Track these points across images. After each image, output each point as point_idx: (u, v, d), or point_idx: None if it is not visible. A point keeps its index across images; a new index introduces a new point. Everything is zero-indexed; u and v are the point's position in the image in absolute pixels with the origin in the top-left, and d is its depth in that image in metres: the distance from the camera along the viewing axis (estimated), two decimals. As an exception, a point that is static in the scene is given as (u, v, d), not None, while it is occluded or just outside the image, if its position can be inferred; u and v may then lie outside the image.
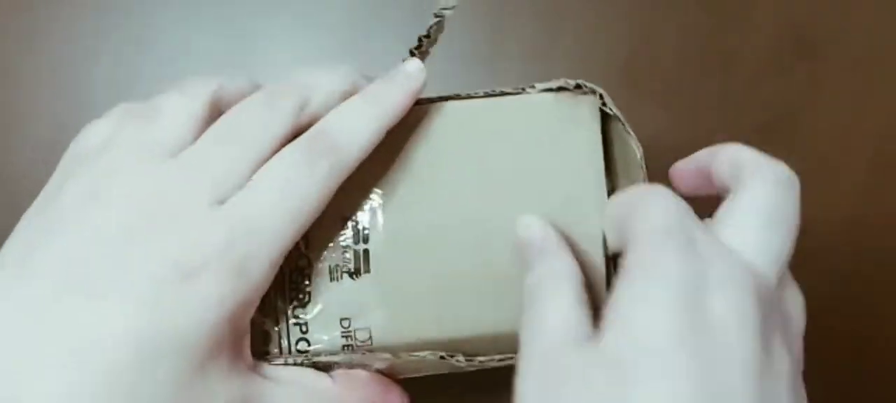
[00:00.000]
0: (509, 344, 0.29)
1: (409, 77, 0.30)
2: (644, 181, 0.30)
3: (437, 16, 0.31)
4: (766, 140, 0.43)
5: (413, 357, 0.30)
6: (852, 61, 0.45)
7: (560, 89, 0.31)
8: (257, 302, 0.28)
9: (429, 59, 0.32)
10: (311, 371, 0.30)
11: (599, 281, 0.30)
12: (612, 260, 0.30)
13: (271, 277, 0.27)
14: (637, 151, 0.30)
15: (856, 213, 0.44)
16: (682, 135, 0.44)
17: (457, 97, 0.31)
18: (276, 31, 0.44)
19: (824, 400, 0.39)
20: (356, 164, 0.29)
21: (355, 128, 0.29)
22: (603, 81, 0.43)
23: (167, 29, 0.44)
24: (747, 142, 0.41)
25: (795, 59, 0.45)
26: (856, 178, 0.44)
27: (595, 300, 0.28)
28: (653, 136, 0.43)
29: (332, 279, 0.30)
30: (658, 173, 0.43)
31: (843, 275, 0.43)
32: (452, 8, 0.31)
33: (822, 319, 0.42)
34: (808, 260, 0.42)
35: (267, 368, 0.29)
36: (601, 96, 0.30)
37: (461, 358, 0.29)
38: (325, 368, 0.30)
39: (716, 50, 0.45)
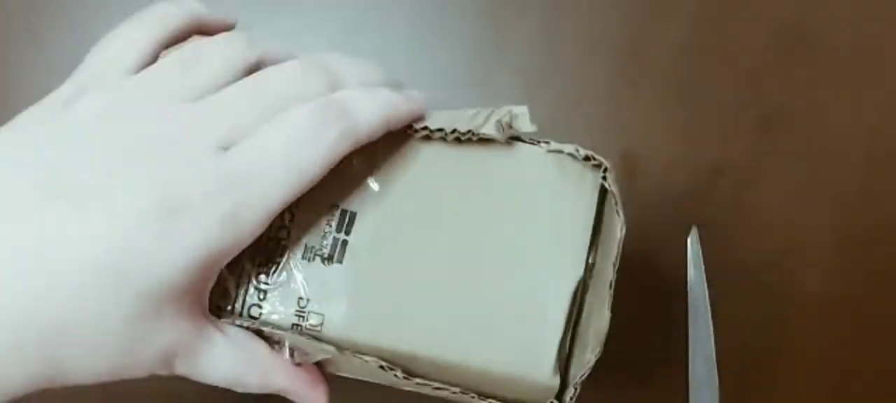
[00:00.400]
0: (455, 376, 0.30)
1: (415, 98, 0.31)
2: (617, 261, 0.31)
3: (511, 136, 0.31)
4: (765, 134, 0.45)
5: (355, 360, 0.30)
6: (851, 56, 0.46)
7: (570, 155, 0.31)
8: (236, 255, 0.28)
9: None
10: (255, 338, 0.30)
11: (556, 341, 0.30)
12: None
13: (259, 232, 0.28)
14: (619, 232, 0.31)
15: (854, 205, 0.45)
16: (681, 129, 0.45)
17: (469, 135, 0.31)
18: (277, 32, 0.45)
19: (823, 398, 0.40)
20: (364, 140, 0.29)
21: (368, 108, 0.29)
22: (603, 76, 0.45)
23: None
24: (747, 136, 0.42)
25: (794, 55, 0.45)
26: (854, 171, 0.45)
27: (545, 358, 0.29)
28: (651, 131, 0.45)
29: (304, 257, 0.30)
30: (656, 169, 0.45)
31: (840, 271, 0.44)
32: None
33: (816, 316, 0.44)
34: (804, 256, 0.44)
35: (218, 321, 0.29)
36: (606, 172, 0.31)
37: (399, 373, 0.30)
38: (266, 340, 0.30)
39: (715, 45, 0.46)
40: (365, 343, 0.30)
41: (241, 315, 0.30)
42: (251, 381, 0.30)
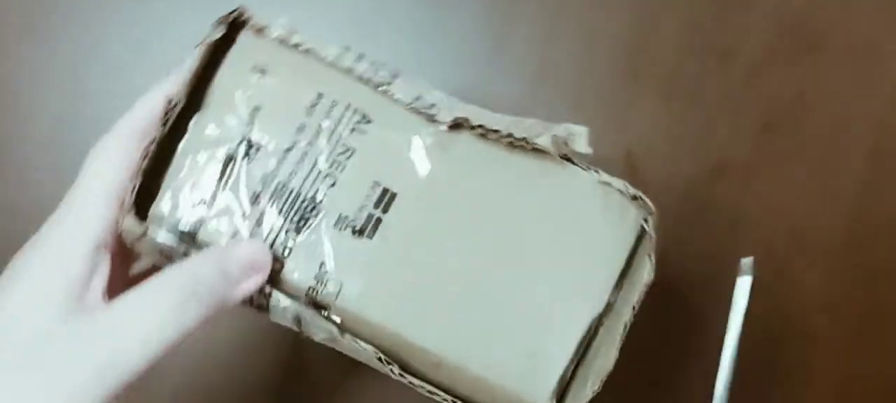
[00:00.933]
0: (450, 379, 0.30)
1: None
2: (637, 305, 0.31)
3: (563, 155, 0.31)
4: (766, 133, 0.45)
5: (355, 344, 0.30)
6: (852, 54, 0.45)
7: (618, 190, 0.31)
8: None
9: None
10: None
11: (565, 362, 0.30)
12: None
13: None
14: (647, 276, 0.31)
15: (855, 204, 0.44)
16: (681, 128, 0.45)
17: (524, 142, 0.31)
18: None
19: (824, 398, 0.40)
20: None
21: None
22: (604, 73, 0.45)
23: (168, 27, 0.44)
24: (748, 135, 0.41)
25: (796, 52, 0.45)
26: (855, 171, 0.45)
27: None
28: (651, 130, 0.45)
29: (336, 225, 0.31)
30: (657, 165, 0.45)
31: (841, 270, 0.44)
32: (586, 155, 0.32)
33: (818, 315, 0.43)
34: (805, 255, 0.44)
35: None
36: (649, 216, 0.31)
37: (396, 369, 0.30)
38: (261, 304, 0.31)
39: (716, 42, 0.45)
40: (374, 322, 0.30)
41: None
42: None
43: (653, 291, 0.31)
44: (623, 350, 0.30)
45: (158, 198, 0.30)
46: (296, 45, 0.32)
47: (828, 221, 0.44)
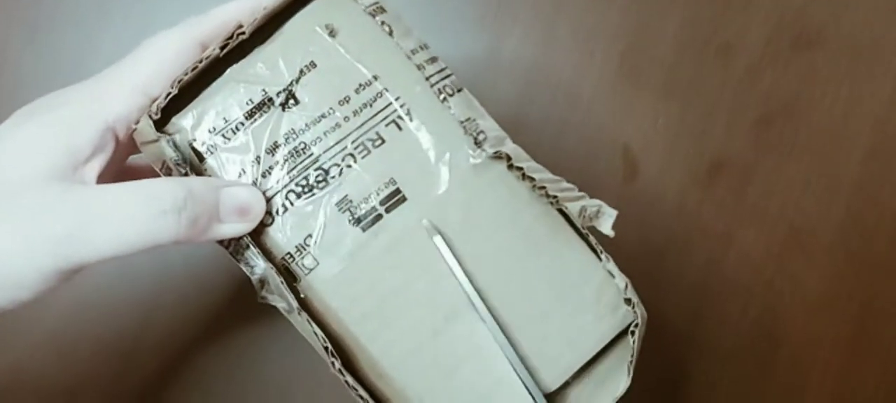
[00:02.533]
0: (387, 395, 0.30)
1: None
2: None
3: (586, 227, 0.31)
4: (765, 130, 0.45)
5: (308, 326, 0.29)
6: (850, 51, 0.45)
7: (617, 285, 0.30)
8: None
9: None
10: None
11: None
12: None
13: None
14: (621, 388, 0.30)
15: (853, 201, 0.44)
16: (680, 126, 0.45)
17: (554, 200, 0.30)
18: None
19: (824, 396, 0.40)
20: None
21: None
22: (602, 72, 0.44)
23: (168, 26, 0.44)
24: (747, 132, 0.42)
25: (794, 49, 0.45)
26: (854, 168, 0.44)
27: None
28: (651, 128, 0.44)
29: (338, 205, 0.30)
30: (655, 161, 0.44)
31: (840, 267, 0.44)
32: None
33: (817, 313, 0.43)
34: (804, 252, 0.43)
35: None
36: (635, 326, 0.30)
37: (337, 362, 0.29)
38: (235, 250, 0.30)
39: (714, 41, 0.45)
40: (336, 310, 0.30)
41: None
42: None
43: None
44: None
45: (184, 110, 0.31)
46: (381, 21, 0.32)
47: (826, 218, 0.44)
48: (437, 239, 0.30)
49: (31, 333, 0.42)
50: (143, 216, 0.28)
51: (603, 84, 0.45)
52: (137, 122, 0.30)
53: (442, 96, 0.31)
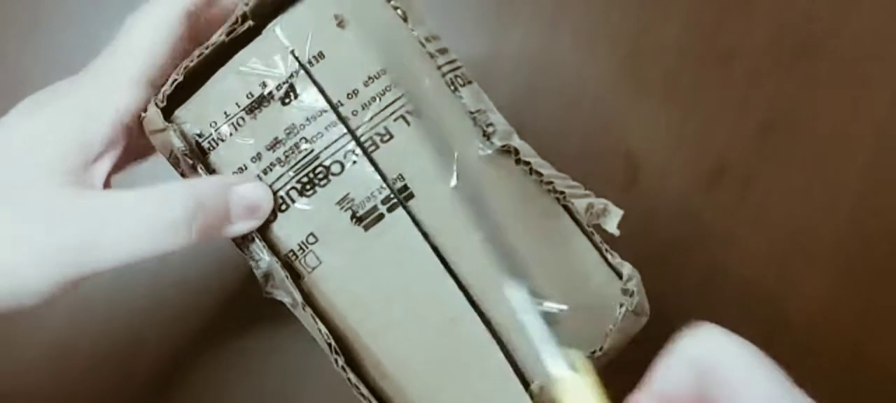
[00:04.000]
0: (390, 394, 0.29)
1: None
2: None
3: (591, 225, 0.31)
4: (766, 135, 0.44)
5: (312, 322, 0.29)
6: (852, 57, 0.44)
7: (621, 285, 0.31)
8: None
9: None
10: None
11: None
12: None
13: None
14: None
15: (855, 208, 0.44)
16: (681, 130, 0.45)
17: (560, 196, 0.30)
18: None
19: (825, 399, 0.40)
20: None
21: None
22: (604, 76, 0.45)
23: None
24: (748, 137, 0.42)
25: (796, 55, 0.44)
26: (855, 173, 0.44)
27: None
28: (652, 132, 0.44)
29: (339, 204, 0.30)
30: (656, 167, 0.44)
31: (841, 272, 0.43)
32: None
33: (818, 317, 0.43)
34: (805, 257, 0.43)
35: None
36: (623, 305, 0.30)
37: (340, 359, 0.29)
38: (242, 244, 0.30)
39: (716, 45, 0.45)
40: (338, 309, 0.29)
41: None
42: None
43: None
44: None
45: (187, 102, 0.30)
46: (394, 6, 0.31)
47: (828, 224, 0.44)
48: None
49: (31, 334, 0.41)
50: (154, 227, 0.28)
51: (604, 87, 0.45)
52: (145, 111, 0.29)
53: (453, 87, 0.31)
